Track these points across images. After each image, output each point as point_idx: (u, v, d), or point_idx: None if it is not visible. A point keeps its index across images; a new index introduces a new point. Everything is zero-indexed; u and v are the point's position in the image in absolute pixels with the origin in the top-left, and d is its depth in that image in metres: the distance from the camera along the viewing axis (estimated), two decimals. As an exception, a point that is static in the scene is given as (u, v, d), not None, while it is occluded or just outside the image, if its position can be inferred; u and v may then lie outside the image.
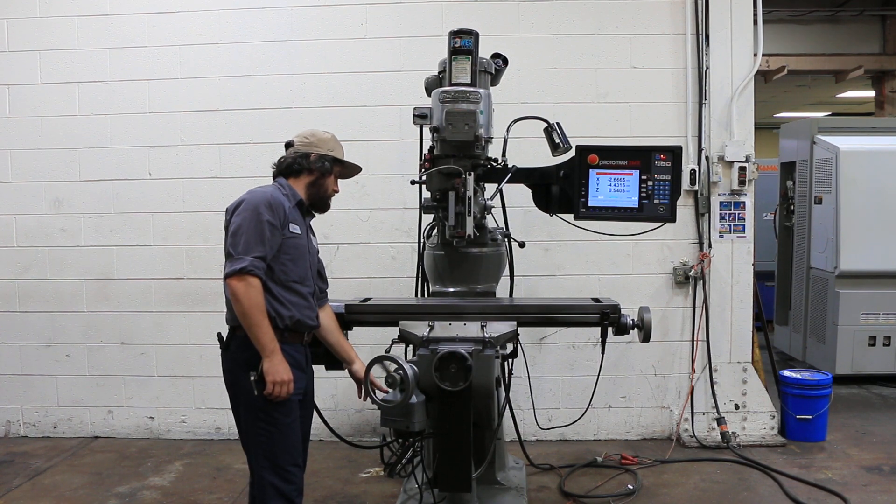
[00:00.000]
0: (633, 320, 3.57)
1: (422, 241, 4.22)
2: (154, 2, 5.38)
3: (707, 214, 5.33)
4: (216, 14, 5.37)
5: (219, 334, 3.24)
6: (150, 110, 5.43)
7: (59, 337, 5.59)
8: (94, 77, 5.43)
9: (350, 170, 3.48)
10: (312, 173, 3.30)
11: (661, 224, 3.76)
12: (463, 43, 3.58)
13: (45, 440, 5.59)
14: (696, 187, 5.28)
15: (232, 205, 3.14)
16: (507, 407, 4.22)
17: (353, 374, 3.50)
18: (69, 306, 5.56)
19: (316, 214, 3.45)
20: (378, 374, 3.14)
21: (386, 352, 3.16)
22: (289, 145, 3.38)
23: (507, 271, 4.14)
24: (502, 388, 3.70)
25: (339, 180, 3.44)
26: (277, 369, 3.02)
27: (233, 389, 3.19)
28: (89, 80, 5.44)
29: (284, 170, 3.31)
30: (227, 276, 2.99)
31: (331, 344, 3.47)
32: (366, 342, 3.62)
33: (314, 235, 3.44)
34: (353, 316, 3.61)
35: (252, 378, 3.02)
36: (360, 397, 3.38)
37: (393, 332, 3.49)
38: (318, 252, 3.44)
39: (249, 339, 3.05)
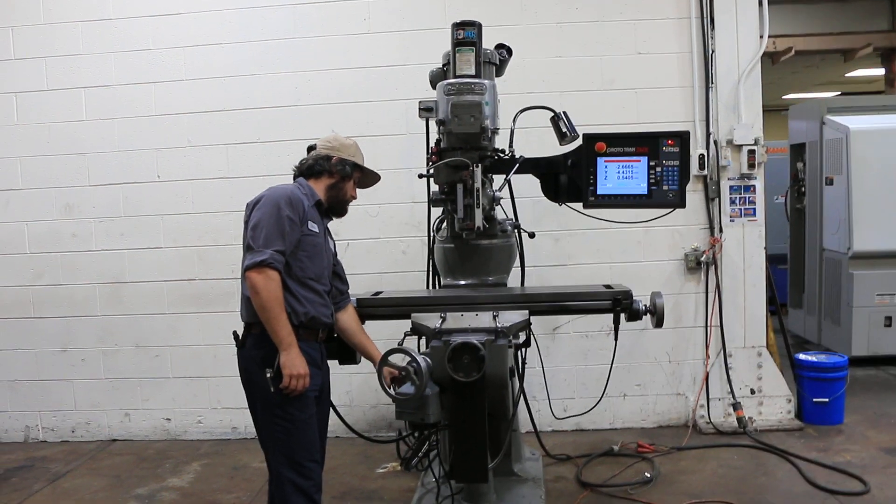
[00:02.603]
0: (645, 306, 3.55)
1: (432, 234, 4.22)
2: (156, 5, 5.39)
3: (717, 199, 5.30)
4: (218, 14, 5.38)
5: (234, 332, 3.26)
6: (157, 113, 5.45)
7: (74, 341, 5.63)
8: (99, 81, 5.45)
9: (369, 178, 3.52)
10: (333, 176, 3.34)
11: (671, 210, 3.76)
12: (466, 34, 3.57)
13: (64, 444, 5.63)
14: (706, 172, 5.25)
15: (252, 200, 3.19)
16: (522, 397, 4.21)
17: None
18: (83, 311, 5.59)
19: (333, 218, 3.46)
20: (398, 362, 3.14)
21: (399, 344, 3.16)
22: (311, 148, 3.43)
23: (517, 262, 4.14)
24: (516, 379, 3.70)
25: (357, 189, 3.47)
26: (294, 362, 3.04)
27: (249, 387, 3.21)
28: (95, 84, 5.46)
29: (306, 171, 3.36)
30: (246, 269, 3.02)
31: (356, 345, 3.49)
32: (378, 336, 3.63)
33: (332, 238, 3.45)
34: (365, 310, 3.62)
35: (268, 375, 3.03)
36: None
37: (405, 324, 3.48)
38: (336, 255, 3.46)
39: (264, 336, 3.08)
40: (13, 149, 5.54)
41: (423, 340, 3.55)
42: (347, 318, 3.49)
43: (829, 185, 6.92)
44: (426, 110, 3.66)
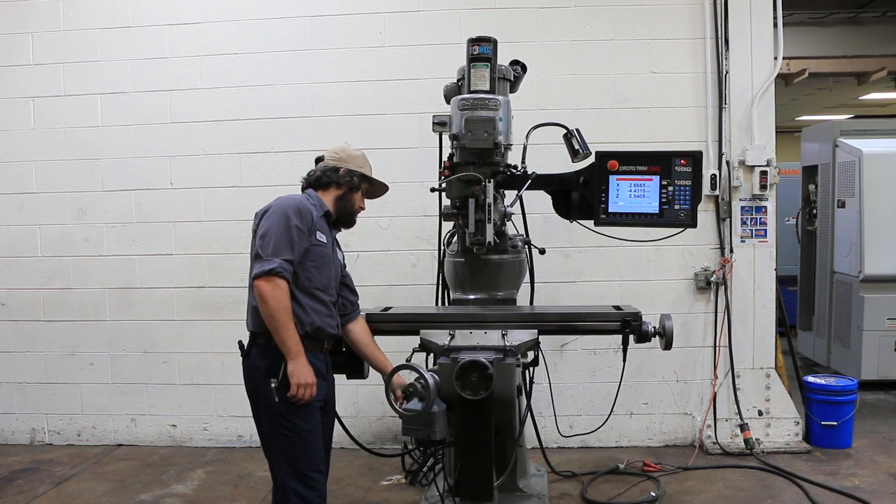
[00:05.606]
0: (654, 328, 3.54)
1: (442, 248, 4.23)
2: (174, 14, 5.43)
3: (728, 219, 5.29)
4: (236, 24, 5.41)
5: (240, 342, 3.27)
6: (172, 120, 5.48)
7: (83, 345, 5.65)
8: (115, 88, 5.49)
9: (377, 188, 3.54)
10: (341, 187, 3.36)
11: (682, 229, 3.75)
12: (481, 50, 3.58)
13: (70, 448, 5.64)
14: (717, 192, 5.24)
15: (261, 209, 3.21)
16: (529, 414, 4.20)
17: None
18: (92, 315, 5.61)
19: (342, 229, 3.47)
20: (406, 378, 3.15)
21: (407, 361, 3.16)
22: (319, 160, 3.44)
23: (527, 278, 4.13)
24: (523, 396, 3.68)
25: (365, 199, 3.49)
26: (302, 371, 3.05)
27: (253, 397, 3.22)
28: (111, 91, 5.50)
29: (314, 182, 3.38)
30: (255, 277, 3.03)
31: (367, 356, 3.51)
32: (385, 350, 3.64)
33: (340, 250, 3.47)
34: (373, 325, 3.61)
35: (273, 385, 3.04)
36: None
37: (414, 340, 3.49)
38: (344, 266, 3.47)
39: (270, 346, 3.09)
40: (29, 153, 5.58)
41: (431, 357, 3.54)
42: (358, 329, 3.50)
43: (840, 208, 6.90)
44: (440, 125, 3.67)
